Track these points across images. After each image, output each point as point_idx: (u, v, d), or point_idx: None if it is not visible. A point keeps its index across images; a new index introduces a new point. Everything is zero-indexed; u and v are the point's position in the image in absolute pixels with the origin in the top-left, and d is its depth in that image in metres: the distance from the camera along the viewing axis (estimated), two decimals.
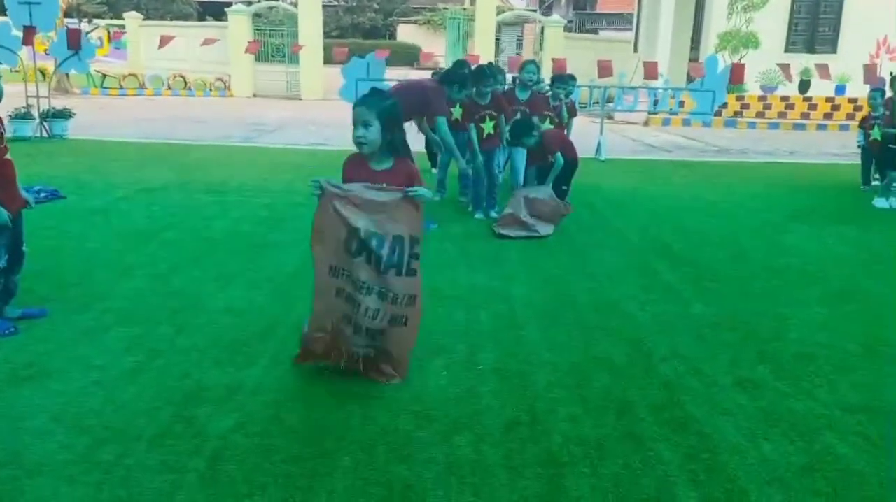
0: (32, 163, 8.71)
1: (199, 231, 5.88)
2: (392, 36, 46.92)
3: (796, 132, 17.15)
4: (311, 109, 18.12)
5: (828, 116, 18.01)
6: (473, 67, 6.87)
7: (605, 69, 11.20)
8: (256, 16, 23.07)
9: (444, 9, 33.25)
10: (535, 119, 6.87)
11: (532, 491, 2.46)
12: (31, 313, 3.84)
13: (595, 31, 36.25)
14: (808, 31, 18.28)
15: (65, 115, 11.23)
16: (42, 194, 6.76)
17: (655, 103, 12.69)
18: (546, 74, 11.12)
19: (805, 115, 18.09)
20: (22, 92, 11.04)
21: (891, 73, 9.43)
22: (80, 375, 3.23)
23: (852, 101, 17.03)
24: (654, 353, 3.67)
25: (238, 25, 21.51)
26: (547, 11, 32.05)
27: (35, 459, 2.55)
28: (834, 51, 17.96)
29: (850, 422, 2.96)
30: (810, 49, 18.09)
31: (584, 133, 10.30)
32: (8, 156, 3.62)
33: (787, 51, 17.92)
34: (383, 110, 3.15)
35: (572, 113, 7.92)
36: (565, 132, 7.65)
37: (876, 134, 8.49)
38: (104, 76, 20.83)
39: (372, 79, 9.90)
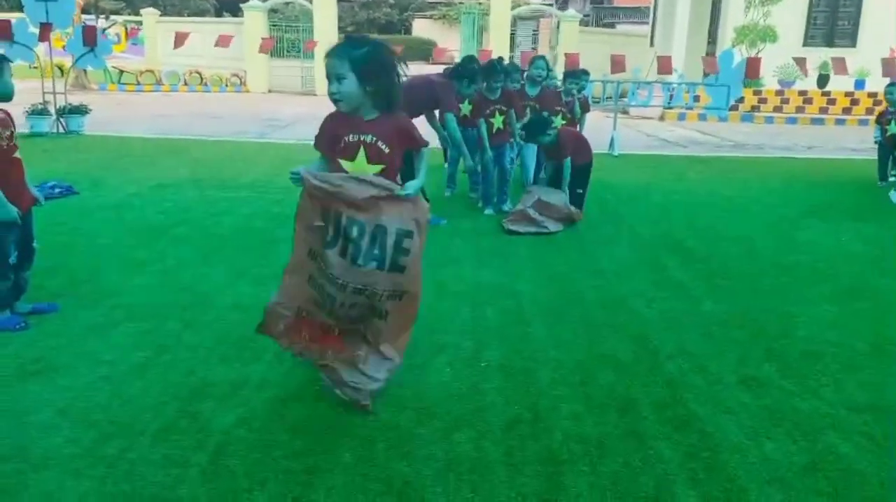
0: (48, 159, 8.82)
1: (210, 227, 5.92)
2: (407, 31, 46.93)
3: (814, 127, 16.97)
4: (325, 105, 18.15)
5: (847, 111, 17.81)
6: (483, 63, 6.87)
7: (618, 64, 11.14)
8: (272, 11, 23.17)
9: (460, 3, 33.17)
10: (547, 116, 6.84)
11: (530, 489, 2.47)
12: (42, 308, 3.89)
13: (612, 26, 36.05)
14: (827, 24, 18.08)
15: (81, 111, 11.35)
16: (56, 190, 6.84)
17: (671, 98, 12.60)
18: (561, 69, 11.08)
19: (823, 110, 17.91)
20: (39, 88, 11.17)
21: None
22: (88, 370, 3.27)
23: (872, 95, 16.83)
24: (660, 351, 3.66)
25: (254, 21, 21.62)
26: (563, 5, 31.92)
27: (41, 453, 2.58)
28: (853, 45, 17.76)
29: (854, 422, 2.93)
30: (829, 43, 17.90)
31: (597, 128, 10.27)
32: (17, 154, 3.65)
33: (805, 45, 17.76)
34: (356, 59, 2.78)
35: (585, 108, 7.88)
36: (578, 128, 7.62)
37: (893, 129, 8.39)
38: (121, 72, 21.02)
39: None
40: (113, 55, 21.09)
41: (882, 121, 8.81)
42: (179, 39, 11.30)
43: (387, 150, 2.95)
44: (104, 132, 11.53)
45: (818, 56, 16.53)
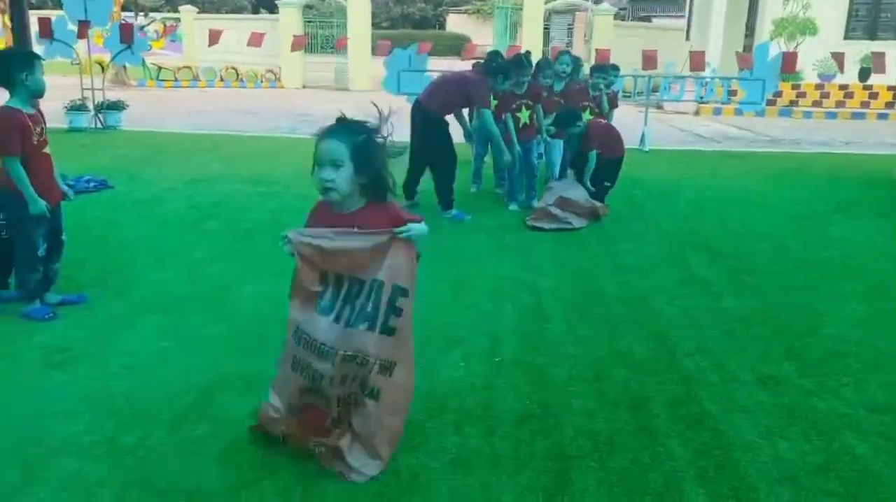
0: (86, 154, 9.02)
1: (238, 222, 6.01)
2: (441, 26, 46.92)
3: (855, 122, 16.56)
4: (357, 99, 18.28)
5: (889, 105, 17.34)
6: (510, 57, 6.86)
7: (649, 60, 10.99)
8: (308, 7, 23.35)
9: None
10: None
11: (538, 484, 2.47)
12: (70, 300, 4.00)
13: (648, 19, 35.58)
14: (869, 16, 17.61)
15: (118, 106, 11.58)
16: (91, 184, 7.01)
17: (703, 93, 12.41)
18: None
19: (865, 104, 17.46)
20: (78, 84, 11.43)
21: None
22: (111, 360, 3.36)
23: None
24: (678, 348, 3.63)
25: (288, 18, 21.81)
26: None
27: (62, 439, 2.67)
28: None
29: (873, 422, 2.88)
30: (871, 35, 17.43)
31: (628, 124, 10.16)
32: (47, 149, 3.75)
33: (846, 37, 17.31)
34: (358, 147, 2.49)
35: (613, 104, 7.79)
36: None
37: None
38: (160, 68, 21.35)
39: (414, 69, 9.95)
40: (152, 52, 21.52)
41: None
42: (213, 37, 11.45)
43: None
44: (141, 128, 11.75)
45: (859, 49, 16.11)
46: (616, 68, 8.04)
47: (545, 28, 23.54)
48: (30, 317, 3.78)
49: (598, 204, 6.24)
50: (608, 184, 6.51)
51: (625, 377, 3.29)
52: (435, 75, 9.10)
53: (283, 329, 3.66)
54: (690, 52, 11.49)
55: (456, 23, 45.92)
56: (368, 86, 20.87)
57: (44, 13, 12.96)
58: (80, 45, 11.24)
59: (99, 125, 11.30)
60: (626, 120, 10.15)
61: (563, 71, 7.21)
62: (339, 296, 2.54)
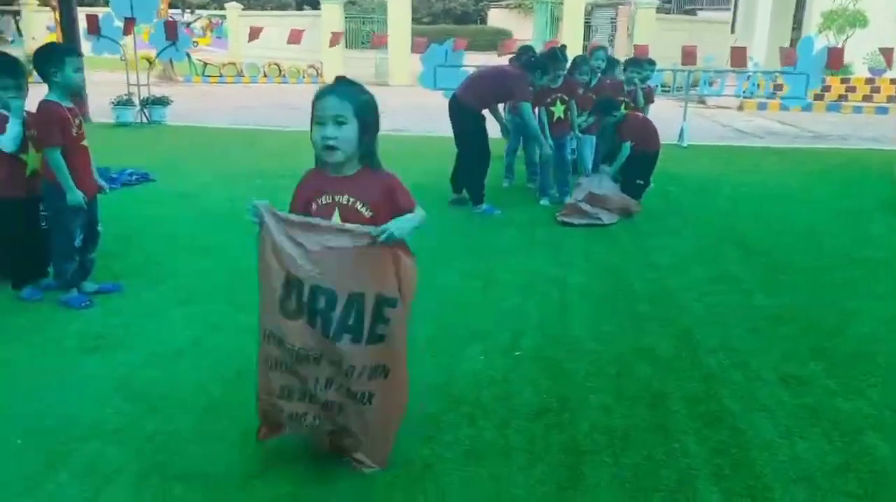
0: (130, 148, 9.26)
1: None
2: (483, 21, 46.75)
3: None
4: (396, 95, 18.38)
5: None
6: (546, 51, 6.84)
7: (689, 55, 10.82)
8: (350, 2, 23.55)
9: None
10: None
11: (550, 477, 2.49)
12: (106, 288, 4.14)
13: (693, 12, 34.96)
14: None
15: (163, 102, 11.86)
16: (133, 177, 7.20)
17: (745, 87, 12.17)
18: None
19: None
20: (124, 80, 11.73)
21: None
22: (143, 347, 3.47)
23: None
24: (702, 345, 3.59)
25: (330, 14, 22.05)
26: None
27: (90, 423, 2.77)
28: None
29: None
30: None
31: (667, 119, 10.02)
32: (84, 142, 3.88)
33: None
34: (363, 105, 2.36)
35: (649, 99, 7.70)
36: None
37: None
38: (205, 64, 21.77)
39: (450, 65, 9.97)
40: (198, 48, 21.94)
41: None
42: (253, 33, 11.66)
43: (367, 214, 2.40)
44: (185, 122, 12.01)
45: None
46: (652, 63, 7.93)
47: (587, 23, 23.31)
48: (67, 304, 3.92)
49: (630, 200, 6.19)
50: (640, 181, 6.44)
51: (646, 374, 3.28)
52: (471, 70, 9.11)
53: None
54: (732, 47, 11.25)
55: (497, 17, 45.72)
56: (408, 81, 20.96)
57: (92, 10, 13.29)
58: (127, 42, 11.53)
59: (144, 120, 11.58)
60: (665, 115, 10.02)
61: (598, 66, 7.17)
62: (304, 306, 2.30)
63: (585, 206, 5.94)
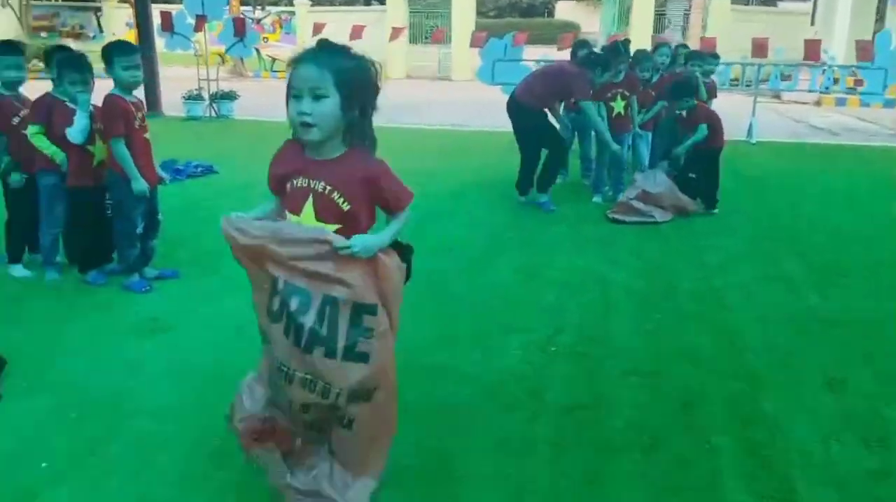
0: (198, 141, 9.61)
1: None
2: (550, 14, 46.22)
3: None
4: (458, 90, 18.44)
5: None
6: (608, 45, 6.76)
7: (760, 48, 10.49)
8: None
9: None
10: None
11: (576, 471, 2.50)
12: (166, 274, 4.34)
13: (773, 3, 33.78)
14: None
15: (231, 96, 12.23)
16: (199, 169, 7.48)
17: (821, 82, 11.73)
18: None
19: None
20: (195, 75, 12.14)
21: None
22: (197, 331, 3.64)
23: None
24: (747, 346, 3.53)
25: (395, 9, 22.24)
26: None
27: (140, 402, 2.93)
28: None
29: None
30: None
31: (736, 114, 9.75)
32: (146, 135, 4.07)
33: None
34: (344, 73, 2.00)
35: (712, 94, 7.52)
36: None
37: None
38: (274, 60, 22.27)
39: (509, 59, 9.97)
40: (268, 44, 22.45)
41: None
42: (317, 29, 11.89)
43: (345, 207, 2.09)
44: (252, 117, 12.35)
45: None
46: (715, 56, 7.74)
47: (660, 14, 22.78)
48: (129, 289, 4.13)
49: (686, 199, 6.06)
50: (692, 174, 6.23)
51: (684, 373, 3.25)
52: (531, 64, 9.09)
53: None
54: (805, 40, 10.86)
55: (565, 10, 45.13)
56: (471, 75, 20.91)
57: (166, 7, 13.79)
58: (199, 38, 11.93)
59: (213, 114, 11.97)
60: (734, 110, 9.76)
61: (662, 63, 7.04)
62: (282, 305, 2.07)
63: (638, 204, 5.87)
